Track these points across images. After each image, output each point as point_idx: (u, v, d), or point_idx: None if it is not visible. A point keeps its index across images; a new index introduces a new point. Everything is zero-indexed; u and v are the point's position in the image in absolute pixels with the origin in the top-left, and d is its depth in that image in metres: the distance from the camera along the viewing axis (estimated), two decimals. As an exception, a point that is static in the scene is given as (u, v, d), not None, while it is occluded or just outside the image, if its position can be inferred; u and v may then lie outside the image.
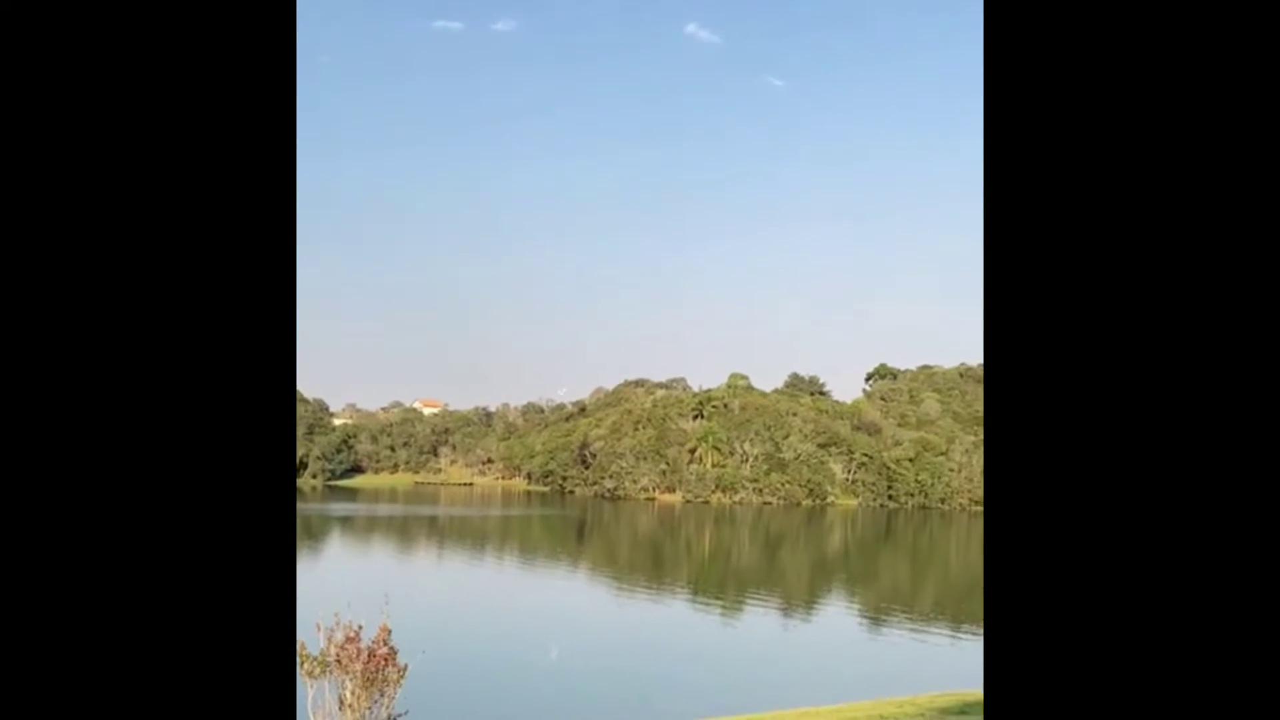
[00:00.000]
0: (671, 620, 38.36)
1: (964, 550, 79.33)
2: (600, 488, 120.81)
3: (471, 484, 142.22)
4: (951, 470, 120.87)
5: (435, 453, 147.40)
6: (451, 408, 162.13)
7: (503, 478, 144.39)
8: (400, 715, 10.68)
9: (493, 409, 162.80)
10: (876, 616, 41.32)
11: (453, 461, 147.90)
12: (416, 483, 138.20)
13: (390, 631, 10.82)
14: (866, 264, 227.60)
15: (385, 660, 10.37)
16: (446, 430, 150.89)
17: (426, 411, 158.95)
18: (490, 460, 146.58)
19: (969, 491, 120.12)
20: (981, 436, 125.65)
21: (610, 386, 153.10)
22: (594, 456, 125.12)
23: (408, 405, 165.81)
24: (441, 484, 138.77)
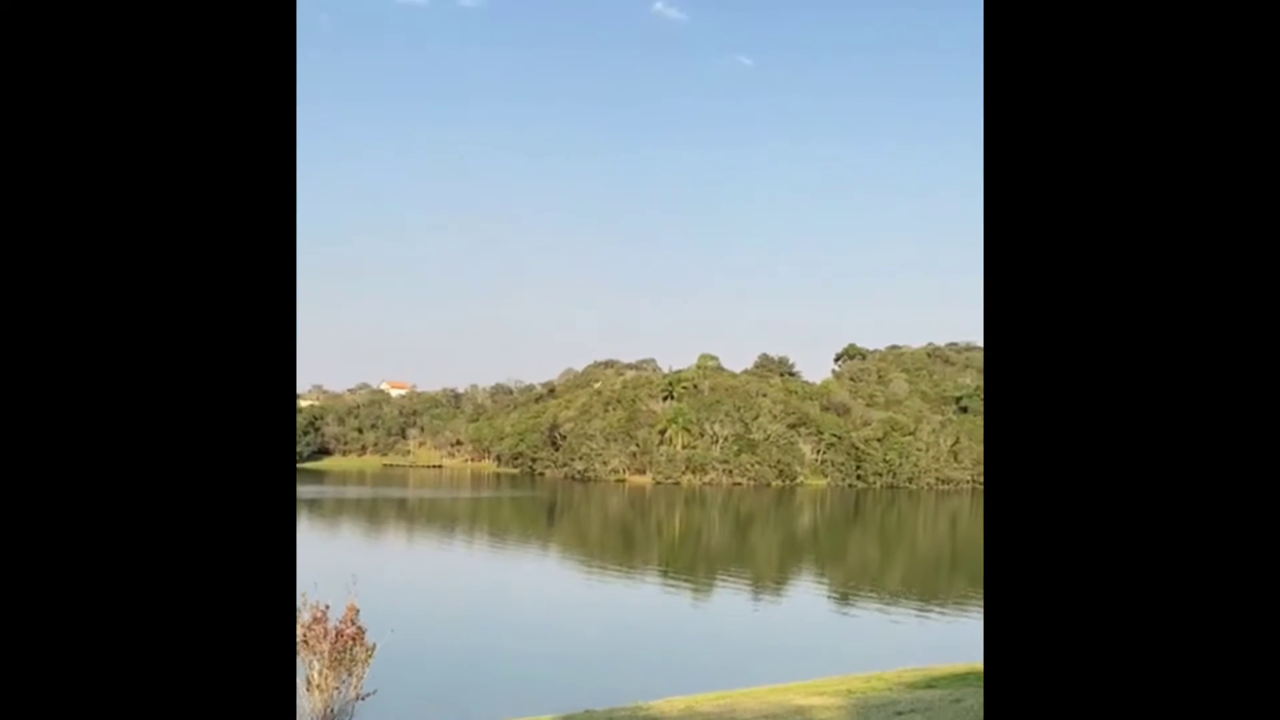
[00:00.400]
0: (642, 601, 38.43)
1: (931, 528, 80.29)
2: (570, 469, 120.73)
3: (440, 466, 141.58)
4: (919, 450, 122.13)
5: (403, 435, 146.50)
6: (419, 389, 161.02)
7: (472, 460, 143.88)
8: (368, 694, 10.55)
9: (461, 390, 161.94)
10: (845, 595, 41.66)
11: (421, 444, 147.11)
12: (385, 465, 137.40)
13: (358, 611, 10.67)
14: (837, 242, 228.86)
15: (353, 640, 10.22)
16: (414, 412, 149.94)
17: (394, 393, 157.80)
18: (459, 442, 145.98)
19: (936, 470, 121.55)
20: (948, 416, 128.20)
21: (580, 368, 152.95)
22: (564, 438, 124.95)
23: (375, 387, 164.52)
24: (410, 466, 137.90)
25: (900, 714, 13.19)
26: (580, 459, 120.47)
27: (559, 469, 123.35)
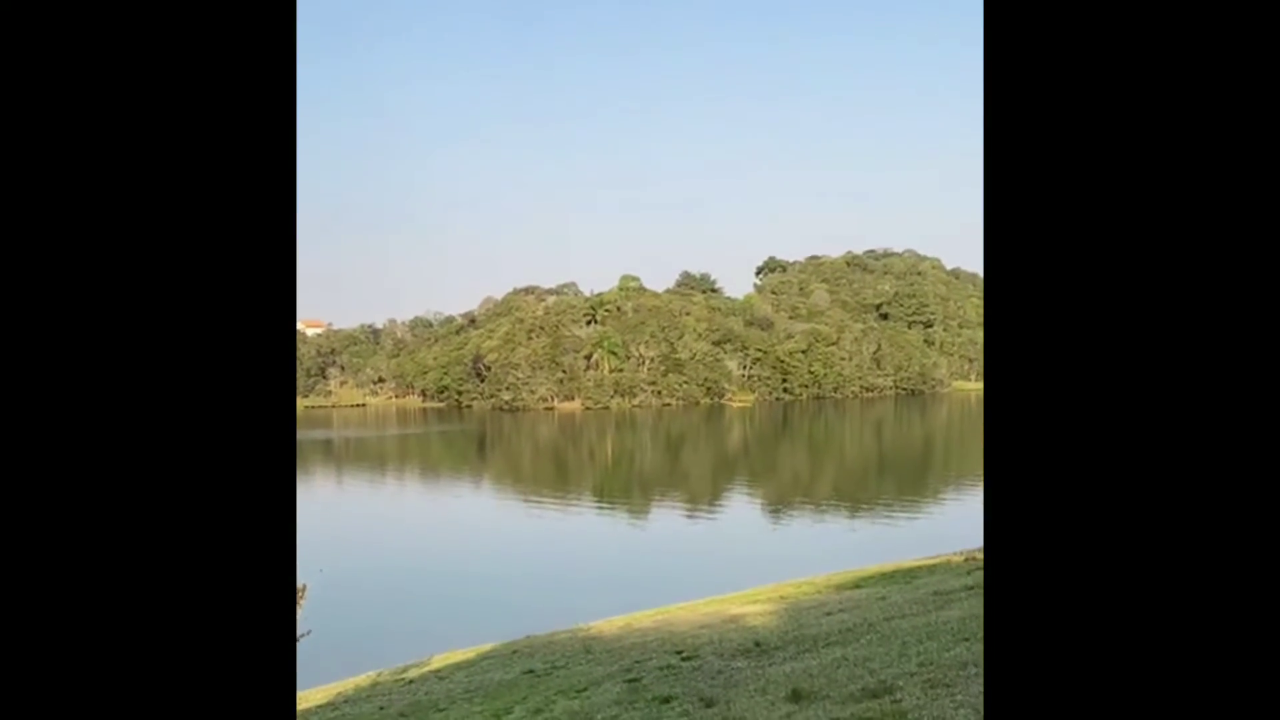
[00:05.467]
0: (579, 527, 38.39)
1: (857, 437, 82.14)
2: (498, 400, 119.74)
3: (364, 405, 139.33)
4: (843, 359, 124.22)
5: (323, 374, 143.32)
6: (335, 327, 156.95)
7: (396, 397, 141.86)
8: (303, 635, 10.23)
9: (379, 326, 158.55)
10: (778, 507, 42.28)
11: (342, 383, 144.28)
12: (306, 407, 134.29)
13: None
14: (750, 152, 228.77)
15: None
16: (333, 351, 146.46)
17: (310, 332, 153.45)
18: (381, 379, 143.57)
19: (860, 379, 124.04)
20: (869, 324, 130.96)
21: (499, 296, 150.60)
22: (488, 369, 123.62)
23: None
24: (333, 406, 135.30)
25: (829, 614, 13.70)
26: (507, 389, 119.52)
27: (486, 400, 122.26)
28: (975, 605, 11.91)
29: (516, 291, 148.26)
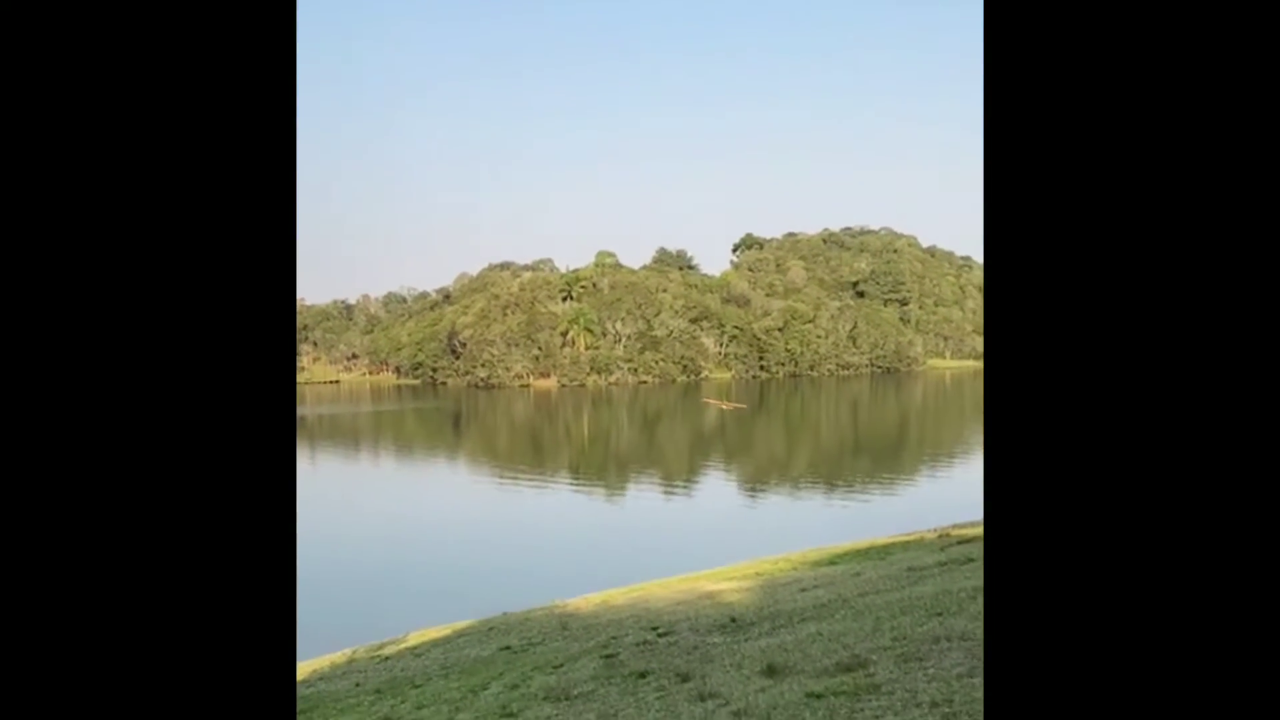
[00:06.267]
0: (555, 503, 38.43)
1: (834, 415, 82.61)
2: (473, 377, 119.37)
3: (338, 381, 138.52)
4: (819, 337, 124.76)
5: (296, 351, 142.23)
6: (308, 302, 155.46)
7: (370, 373, 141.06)
8: None
9: (352, 301, 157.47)
10: (754, 485, 42.50)
11: (315, 359, 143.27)
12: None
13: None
14: (728, 129, 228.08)
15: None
16: (305, 326, 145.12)
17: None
18: (355, 355, 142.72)
19: (836, 357, 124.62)
20: (845, 302, 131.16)
21: (474, 271, 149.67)
22: (464, 345, 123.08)
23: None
24: (306, 383, 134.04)
25: (804, 590, 13.85)
26: (482, 366, 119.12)
27: (461, 377, 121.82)
28: (948, 581, 12.05)
29: (492, 267, 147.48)
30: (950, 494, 34.50)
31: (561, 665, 10.46)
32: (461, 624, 16.38)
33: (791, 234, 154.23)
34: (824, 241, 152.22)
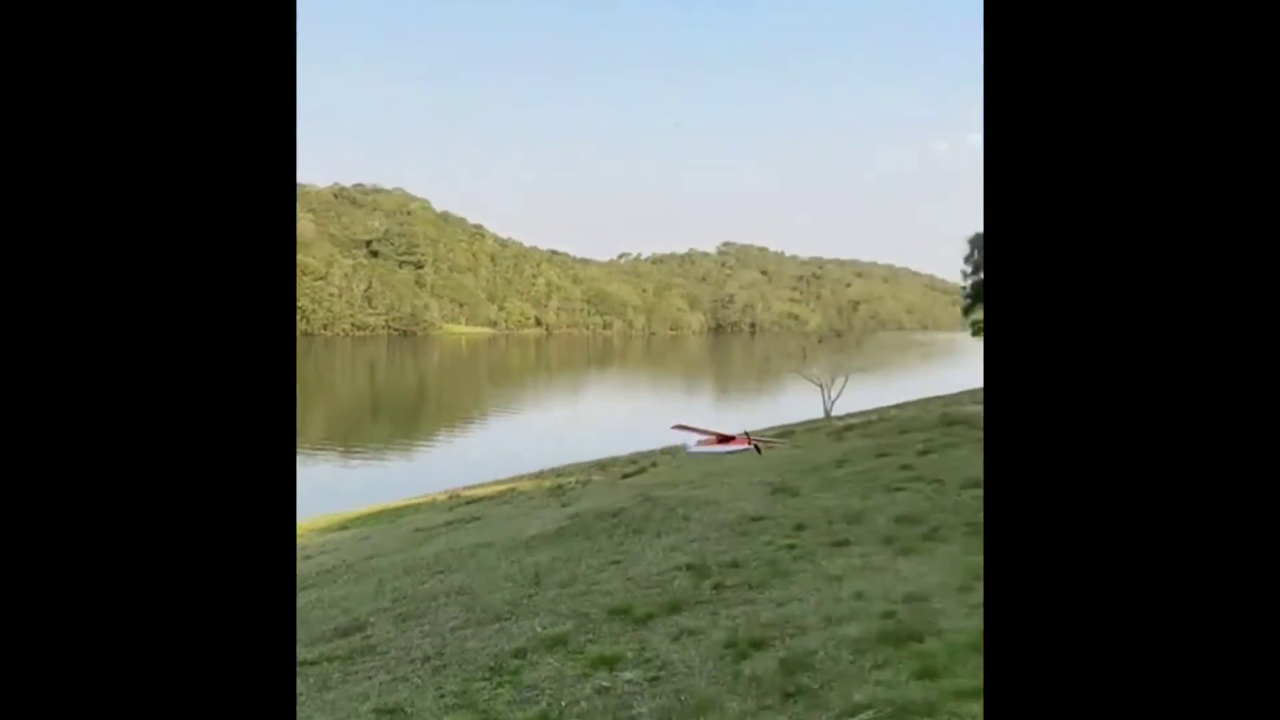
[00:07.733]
0: None
1: (349, 377, 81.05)
2: None
3: None
4: (333, 295, 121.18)
5: None
6: None
7: None
8: None
9: None
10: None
11: None
12: None
13: None
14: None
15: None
16: None
17: None
18: None
19: (351, 317, 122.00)
20: (359, 260, 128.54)
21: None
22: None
23: None
24: None
25: (309, 557, 13.84)
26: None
27: None
28: (453, 539, 12.62)
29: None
30: (463, 457, 35.85)
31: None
32: None
33: (300, 185, 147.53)
34: (335, 196, 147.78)
